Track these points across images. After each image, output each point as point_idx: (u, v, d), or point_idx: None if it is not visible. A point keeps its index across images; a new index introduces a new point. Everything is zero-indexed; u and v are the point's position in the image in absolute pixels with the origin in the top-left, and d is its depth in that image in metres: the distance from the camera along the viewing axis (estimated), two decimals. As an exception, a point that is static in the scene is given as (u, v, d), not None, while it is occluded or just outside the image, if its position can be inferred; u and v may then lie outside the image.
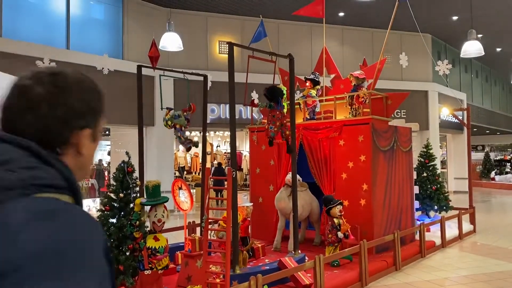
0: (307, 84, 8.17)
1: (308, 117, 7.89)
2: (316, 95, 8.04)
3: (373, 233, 6.82)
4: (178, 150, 18.79)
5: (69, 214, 0.81)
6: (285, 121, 6.27)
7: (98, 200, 14.36)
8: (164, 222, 4.34)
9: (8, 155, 0.86)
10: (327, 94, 8.24)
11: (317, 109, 7.97)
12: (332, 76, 8.74)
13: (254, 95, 8.61)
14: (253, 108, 8.22)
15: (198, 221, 7.73)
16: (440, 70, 8.61)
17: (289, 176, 7.08)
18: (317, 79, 8.15)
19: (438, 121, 18.28)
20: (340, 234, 6.38)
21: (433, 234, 8.32)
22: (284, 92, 7.70)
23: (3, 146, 0.88)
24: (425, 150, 9.79)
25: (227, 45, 5.63)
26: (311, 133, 7.52)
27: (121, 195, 5.22)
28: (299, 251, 6.19)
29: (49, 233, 0.74)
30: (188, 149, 6.49)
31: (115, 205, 5.24)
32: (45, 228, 0.75)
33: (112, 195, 5.30)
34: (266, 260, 6.46)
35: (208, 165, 13.18)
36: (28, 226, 0.74)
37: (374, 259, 6.51)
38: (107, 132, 22.10)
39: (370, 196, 6.95)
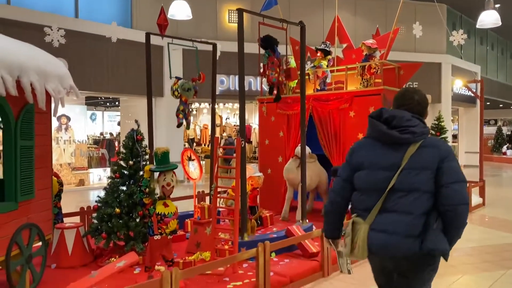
0: (318, 54, 8.04)
1: (319, 88, 7.79)
2: (327, 65, 7.92)
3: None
4: (188, 122, 18.79)
5: (442, 140, 2.57)
6: (281, 67, 6.25)
7: (108, 169, 14.53)
8: (173, 187, 4.37)
9: (415, 121, 2.50)
10: (339, 64, 8.11)
11: (328, 80, 7.86)
12: (344, 46, 8.58)
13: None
14: (263, 79, 8.14)
15: (207, 191, 7.80)
16: (454, 40, 8.40)
17: (298, 148, 7.08)
18: (328, 49, 8.02)
19: (450, 94, 18.00)
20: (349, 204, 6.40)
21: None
22: (293, 61, 7.61)
23: (414, 119, 2.51)
24: (436, 122, 9.67)
25: (236, 14, 5.52)
26: (321, 104, 7.44)
27: (131, 162, 5.28)
28: (307, 221, 6.24)
29: (446, 145, 2.50)
30: (178, 125, 6.46)
31: (125, 172, 5.31)
32: (443, 143, 2.52)
33: (122, 162, 5.36)
34: (274, 229, 6.54)
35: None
36: (441, 142, 2.51)
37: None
38: (116, 103, 22.20)
39: (379, 168, 6.92)
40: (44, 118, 4.54)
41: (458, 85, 17.15)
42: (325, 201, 7.70)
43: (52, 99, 4.37)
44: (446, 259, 2.42)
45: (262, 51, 6.22)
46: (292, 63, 7.66)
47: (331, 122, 7.33)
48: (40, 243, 4.45)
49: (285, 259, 5.27)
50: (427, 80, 16.90)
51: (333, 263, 5.22)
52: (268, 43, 6.14)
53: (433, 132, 10.19)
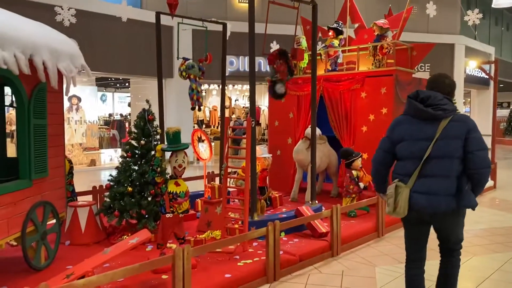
0: (330, 34, 7.95)
1: (330, 69, 7.72)
2: (338, 45, 7.83)
3: (392, 185, 6.81)
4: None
5: (468, 116, 3.13)
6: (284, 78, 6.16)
7: (119, 150, 14.64)
8: (184, 168, 4.40)
9: (446, 101, 3.05)
10: (350, 44, 8.00)
11: (339, 60, 7.78)
12: (356, 25, 8.46)
13: (275, 46, 8.44)
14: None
15: (216, 171, 7.85)
16: (469, 20, 8.22)
17: (308, 129, 7.05)
18: (340, 29, 7.91)
19: (463, 75, 17.72)
20: (362, 185, 6.42)
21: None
22: (304, 42, 7.51)
23: (444, 99, 3.06)
24: (448, 104, 9.55)
25: (247, -8, 5.45)
26: (332, 85, 7.38)
27: (142, 142, 5.31)
28: (316, 202, 6.26)
29: (471, 120, 3.05)
30: (192, 108, 6.44)
31: (137, 152, 5.35)
32: (469, 118, 3.07)
33: (133, 142, 5.40)
34: (283, 209, 6.58)
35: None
36: (467, 118, 3.07)
37: (391, 211, 6.55)
38: (126, 84, 22.22)
39: (390, 149, 6.88)
40: (56, 97, 4.57)
41: (472, 66, 16.86)
42: (334, 182, 7.72)
43: (64, 78, 4.39)
44: (474, 210, 3.10)
45: (271, 31, 6.11)
46: (304, 43, 7.59)
47: (342, 103, 7.29)
48: (54, 221, 4.54)
49: (294, 239, 5.31)
50: (440, 62, 16.64)
51: (342, 243, 5.27)
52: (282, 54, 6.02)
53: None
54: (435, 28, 16.85)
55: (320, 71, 7.51)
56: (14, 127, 10.46)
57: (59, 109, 4.71)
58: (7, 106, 5.10)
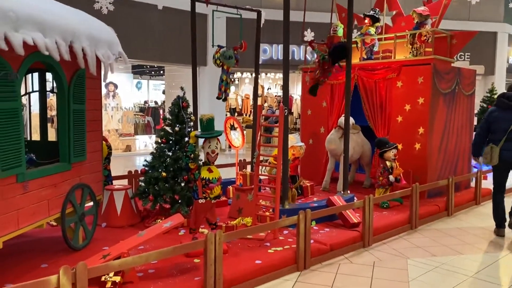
0: (366, 21, 7.77)
1: (365, 57, 7.56)
2: (375, 33, 7.64)
3: (427, 178, 6.67)
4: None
5: None
6: (325, 79, 6.11)
7: (153, 136, 14.93)
8: (217, 154, 4.45)
9: None
10: (387, 32, 7.80)
11: (375, 48, 7.60)
12: (394, 13, 8.22)
13: (309, 34, 8.34)
14: (308, 48, 7.97)
15: (248, 159, 7.89)
16: (515, 6, 7.82)
17: (341, 119, 6.97)
18: (377, 16, 7.72)
19: (505, 65, 16.97)
20: (391, 178, 6.30)
21: (490, 182, 7.98)
22: (340, 30, 7.38)
23: None
24: (488, 95, 9.22)
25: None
26: (367, 73, 7.24)
27: (177, 128, 5.39)
28: (348, 191, 6.20)
29: None
30: (218, 97, 6.47)
31: (171, 138, 5.44)
32: None
33: (168, 128, 5.48)
34: (315, 199, 6.56)
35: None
36: None
37: (426, 203, 6.42)
38: (161, 72, 22.57)
39: (426, 141, 6.72)
40: (94, 83, 4.70)
41: (515, 56, 16.13)
42: (367, 173, 7.61)
43: (102, 64, 4.50)
44: None
45: (306, 18, 6.05)
46: (340, 31, 7.45)
47: (377, 92, 7.14)
48: (91, 203, 4.70)
49: (325, 228, 5.29)
50: (481, 50, 15.99)
51: (374, 234, 5.21)
52: (336, 55, 6.00)
53: (484, 105, 9.76)
54: (477, 15, 16.17)
55: (355, 60, 7.37)
56: (54, 113, 10.84)
57: (97, 95, 4.84)
58: (48, 92, 5.29)
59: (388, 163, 6.42)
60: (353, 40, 7.00)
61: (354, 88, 7.21)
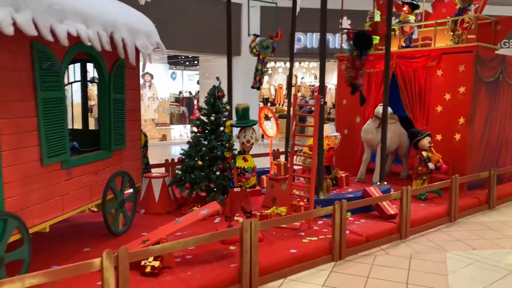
0: (405, 8, 7.55)
1: (404, 45, 7.36)
2: (414, 21, 7.42)
3: (466, 169, 6.46)
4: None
5: None
6: (361, 71, 5.97)
7: (188, 126, 15.14)
8: (252, 143, 4.47)
9: None
10: (427, 19, 7.55)
11: (414, 36, 7.38)
12: (434, -1, 7.95)
13: (346, 22, 8.17)
14: (344, 36, 7.83)
15: (281, 149, 7.88)
16: None
17: (378, 108, 6.83)
18: (415, 3, 7.48)
19: (554, 53, 16.08)
20: (431, 165, 6.13)
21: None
22: (378, 16, 7.20)
23: None
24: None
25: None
26: (406, 62, 7.05)
27: (212, 118, 5.45)
28: (385, 183, 6.10)
29: None
30: (252, 87, 6.48)
31: (207, 127, 5.51)
32: None
33: (203, 118, 5.55)
34: (350, 190, 6.49)
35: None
36: None
37: (465, 196, 6.23)
38: (195, 62, 22.77)
39: (467, 131, 6.50)
40: (133, 73, 4.80)
41: None
42: (404, 164, 7.46)
43: (141, 55, 4.59)
44: None
45: (340, 6, 5.93)
46: (377, 18, 7.28)
47: (415, 81, 6.95)
48: (131, 190, 4.84)
49: (360, 219, 5.24)
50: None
51: (411, 226, 5.11)
52: (360, 43, 5.87)
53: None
54: (523, 0, 15.35)
55: (393, 47, 7.17)
56: (93, 102, 11.16)
57: (136, 84, 4.95)
58: (88, 81, 5.45)
59: (424, 153, 6.25)
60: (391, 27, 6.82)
61: (392, 77, 7.04)
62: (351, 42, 5.93)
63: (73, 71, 5.73)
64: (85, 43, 3.53)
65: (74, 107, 6.67)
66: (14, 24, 2.80)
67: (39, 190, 3.39)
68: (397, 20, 7.71)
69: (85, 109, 5.35)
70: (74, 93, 6.74)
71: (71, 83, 5.51)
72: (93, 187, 4.14)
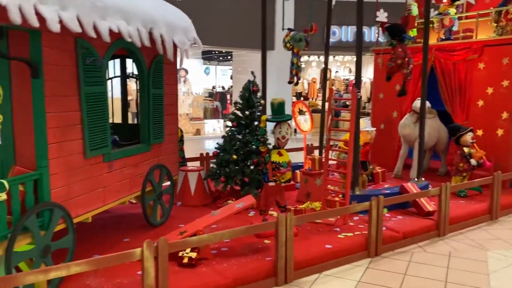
0: (445, 0, 7.31)
1: (443, 37, 7.13)
2: (455, 13, 7.17)
3: (509, 165, 6.22)
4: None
5: None
6: (406, 59, 5.80)
7: (221, 121, 15.28)
8: (287, 139, 4.47)
9: None
10: (469, 10, 7.29)
11: (455, 28, 7.14)
12: (476, -11, 7.65)
13: (382, 14, 7.99)
14: (380, 29, 7.67)
15: (315, 144, 7.83)
16: None
17: (416, 102, 6.68)
18: (457, -6, 7.23)
19: None
20: (473, 161, 5.93)
21: None
22: (415, 8, 7.01)
23: None
24: None
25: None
26: (445, 55, 6.84)
27: (247, 112, 5.48)
28: (423, 179, 5.96)
29: None
30: (289, 82, 6.40)
31: (242, 122, 5.54)
32: None
33: (238, 112, 5.59)
34: (386, 185, 6.39)
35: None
36: None
37: (508, 193, 6.00)
38: (228, 57, 22.90)
39: (510, 126, 6.26)
40: (171, 68, 4.89)
41: None
42: (443, 160, 7.27)
43: (178, 50, 4.67)
44: None
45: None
46: (414, 10, 7.11)
47: (455, 75, 6.74)
48: (168, 183, 4.95)
49: (397, 216, 5.15)
50: None
51: (450, 223, 4.98)
52: (395, 32, 5.75)
53: None
54: None
55: (432, 40, 6.98)
56: (130, 97, 11.43)
57: (174, 80, 5.04)
58: (128, 77, 5.59)
59: (466, 149, 6.06)
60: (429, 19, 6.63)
61: (430, 70, 6.85)
62: (389, 34, 5.81)
63: (113, 67, 5.89)
64: (126, 39, 3.62)
65: (113, 102, 6.88)
66: (61, 21, 2.91)
67: (83, 182, 3.53)
68: (436, 12, 7.48)
69: (125, 104, 5.49)
70: (112, 88, 6.92)
71: (111, 78, 5.67)
72: (133, 180, 4.26)
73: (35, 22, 2.70)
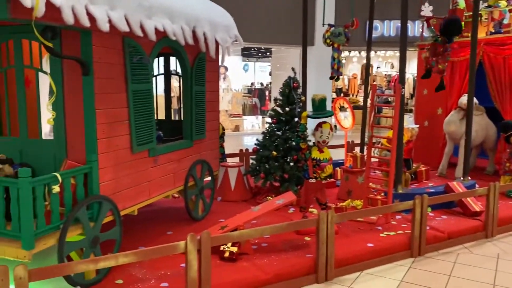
0: (495, -9, 6.99)
1: (493, 31, 6.82)
2: (506, 5, 6.84)
3: None
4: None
5: None
6: (441, 57, 5.62)
7: (260, 117, 15.33)
8: (328, 143, 4.44)
9: None
10: (521, 2, 6.93)
11: (505, 21, 6.81)
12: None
13: (427, 8, 7.76)
14: (425, 23, 7.44)
15: (356, 141, 7.71)
16: None
17: (462, 99, 6.44)
18: (508, -15, 6.90)
19: None
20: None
21: None
22: (462, 1, 6.75)
23: None
24: None
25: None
26: (494, 49, 6.55)
27: (287, 109, 5.48)
28: (469, 178, 5.75)
29: None
30: (331, 77, 6.29)
31: (282, 118, 5.55)
32: None
33: (278, 109, 5.60)
34: (430, 184, 6.22)
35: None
36: None
37: None
38: (267, 54, 22.90)
39: None
40: (213, 66, 4.97)
41: None
42: (491, 158, 6.98)
43: (220, 48, 4.73)
44: None
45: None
46: (461, 3, 6.85)
47: (506, 70, 6.44)
48: (209, 178, 5.04)
49: (442, 215, 5.01)
50: None
51: (499, 224, 4.79)
52: (451, 31, 5.59)
53: None
54: None
55: (481, 34, 6.69)
56: (172, 94, 11.68)
57: (215, 77, 5.11)
58: (172, 74, 5.72)
59: (516, 148, 5.80)
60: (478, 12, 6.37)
61: (478, 65, 6.58)
62: (440, 28, 5.63)
63: (157, 65, 6.04)
64: (170, 38, 3.71)
65: (157, 98, 7.05)
66: (109, 21, 3.02)
67: (129, 176, 3.66)
68: (485, 4, 7.16)
69: (168, 101, 5.62)
70: (157, 85, 7.10)
71: (156, 76, 5.82)
72: (176, 174, 4.37)
73: (86, 22, 2.81)
